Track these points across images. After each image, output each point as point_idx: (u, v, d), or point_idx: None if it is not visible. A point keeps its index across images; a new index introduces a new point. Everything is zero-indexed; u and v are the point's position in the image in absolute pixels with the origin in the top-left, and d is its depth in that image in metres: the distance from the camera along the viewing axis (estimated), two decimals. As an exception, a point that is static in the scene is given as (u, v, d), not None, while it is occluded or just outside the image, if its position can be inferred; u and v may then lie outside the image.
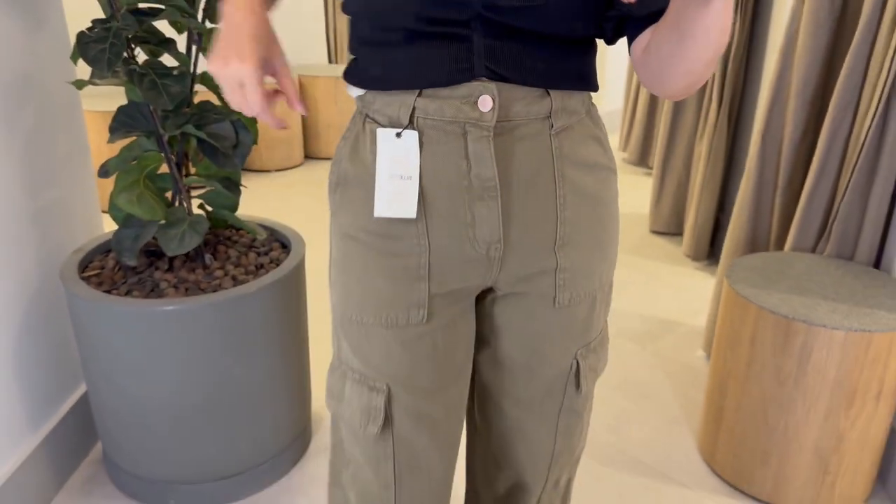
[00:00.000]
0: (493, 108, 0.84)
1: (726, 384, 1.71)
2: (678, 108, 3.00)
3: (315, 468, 1.77)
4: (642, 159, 3.88)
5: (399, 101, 0.86)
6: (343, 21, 5.54)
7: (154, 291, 1.55)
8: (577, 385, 1.02)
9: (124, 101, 1.73)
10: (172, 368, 1.50)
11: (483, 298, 1.00)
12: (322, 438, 1.87)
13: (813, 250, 1.87)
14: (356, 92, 0.92)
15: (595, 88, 0.93)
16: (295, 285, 1.63)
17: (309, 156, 4.25)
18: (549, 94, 0.87)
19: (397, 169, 0.87)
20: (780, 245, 2.07)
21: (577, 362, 1.00)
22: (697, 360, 2.25)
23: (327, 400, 1.01)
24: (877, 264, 1.81)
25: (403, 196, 0.87)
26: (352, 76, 0.90)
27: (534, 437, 1.06)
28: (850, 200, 1.74)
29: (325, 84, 4.01)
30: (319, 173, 4.01)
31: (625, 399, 2.05)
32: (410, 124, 0.86)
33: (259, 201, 3.57)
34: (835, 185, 1.82)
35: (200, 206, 1.72)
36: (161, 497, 1.64)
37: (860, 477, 1.65)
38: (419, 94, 0.85)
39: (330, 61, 5.46)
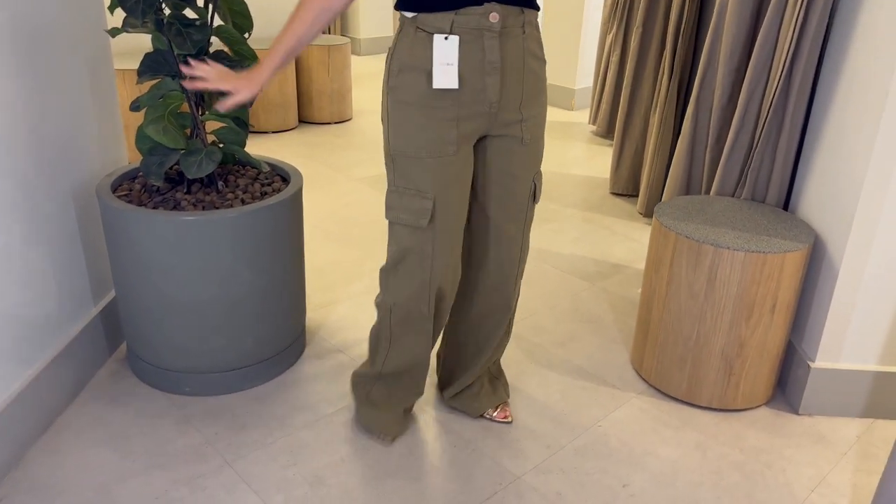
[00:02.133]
0: (498, 20, 1.42)
1: (652, 301, 2.04)
2: (637, 82, 3.33)
3: (309, 369, 2.09)
4: (609, 132, 4.21)
5: (444, 17, 1.42)
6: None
7: (176, 209, 1.85)
8: (535, 198, 1.66)
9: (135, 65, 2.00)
10: (192, 271, 1.81)
11: (478, 145, 1.59)
12: (314, 348, 2.19)
13: (732, 195, 2.20)
14: (410, 14, 1.45)
15: (538, 9, 1.53)
16: (294, 208, 1.95)
17: (302, 120, 4.56)
18: (523, 11, 1.47)
19: (444, 59, 1.43)
20: (709, 192, 2.40)
21: (534, 183, 1.64)
22: (638, 296, 2.58)
23: (387, 212, 1.58)
24: (785, 206, 2.14)
25: (449, 75, 1.44)
26: (407, 5, 1.44)
27: (512, 237, 1.68)
28: (761, 150, 2.07)
29: (319, 53, 4.28)
30: (311, 136, 4.31)
31: (573, 323, 2.39)
32: (451, 31, 1.42)
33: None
34: (751, 139, 2.15)
35: (213, 143, 2.03)
36: (177, 385, 1.95)
37: (760, 380, 2.00)
38: (456, 13, 1.40)
39: (322, 32, 5.73)
